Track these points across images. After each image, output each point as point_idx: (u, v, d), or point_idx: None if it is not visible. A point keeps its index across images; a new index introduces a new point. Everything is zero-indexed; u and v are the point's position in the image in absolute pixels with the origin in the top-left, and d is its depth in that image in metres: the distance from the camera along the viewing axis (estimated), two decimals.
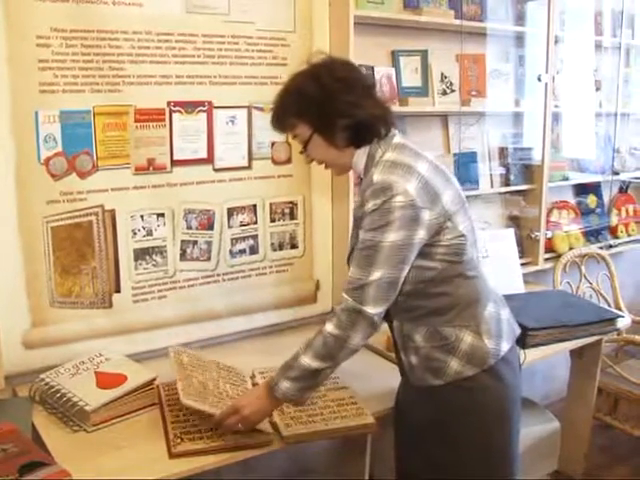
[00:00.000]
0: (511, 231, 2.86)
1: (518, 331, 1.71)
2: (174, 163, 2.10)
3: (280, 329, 2.40)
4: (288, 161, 2.33)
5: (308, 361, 1.51)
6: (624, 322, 2.47)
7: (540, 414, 2.63)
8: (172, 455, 1.56)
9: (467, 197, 1.65)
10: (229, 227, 2.25)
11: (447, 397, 1.57)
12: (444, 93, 2.69)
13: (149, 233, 2.10)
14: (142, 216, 2.07)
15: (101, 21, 1.90)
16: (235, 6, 2.13)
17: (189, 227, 2.17)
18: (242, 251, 2.29)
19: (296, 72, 1.61)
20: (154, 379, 1.82)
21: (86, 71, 1.90)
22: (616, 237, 3.45)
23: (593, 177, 3.41)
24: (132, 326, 2.09)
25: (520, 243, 2.96)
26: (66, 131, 1.90)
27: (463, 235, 1.55)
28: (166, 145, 2.08)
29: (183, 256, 2.17)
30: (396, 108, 2.41)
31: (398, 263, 1.48)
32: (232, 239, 2.26)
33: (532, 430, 2.47)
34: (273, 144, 2.29)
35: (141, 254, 2.09)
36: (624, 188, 3.60)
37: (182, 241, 2.17)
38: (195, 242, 2.19)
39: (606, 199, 3.50)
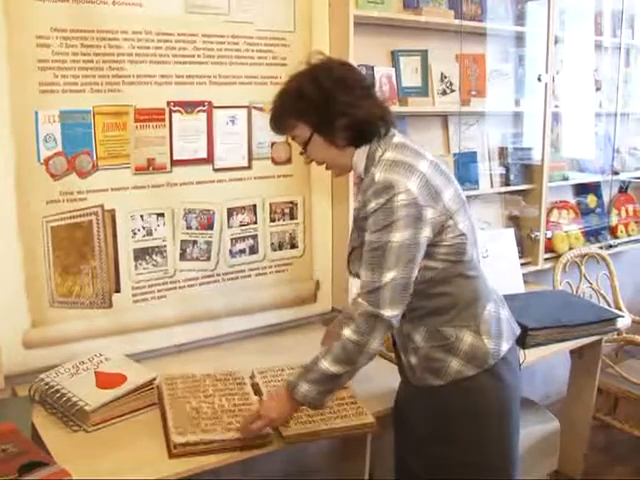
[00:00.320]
0: (511, 231, 2.86)
1: (518, 331, 1.71)
2: (174, 163, 2.10)
3: (280, 329, 2.40)
4: (288, 161, 2.33)
5: (327, 365, 1.51)
6: (624, 322, 2.47)
7: (540, 414, 2.62)
8: (172, 455, 1.56)
9: (467, 197, 1.65)
10: (229, 227, 2.25)
11: (447, 397, 1.57)
12: (444, 93, 2.69)
13: (149, 233, 2.10)
14: (142, 216, 2.07)
15: (101, 21, 1.90)
16: (235, 6, 2.13)
17: (189, 227, 2.17)
18: (242, 251, 2.29)
19: (294, 73, 1.61)
20: (154, 379, 1.82)
21: (86, 71, 1.90)
22: (616, 237, 3.45)
23: (593, 177, 3.41)
24: (132, 326, 2.09)
25: (520, 243, 2.96)
26: (66, 131, 1.90)
27: (464, 234, 1.55)
28: (166, 145, 2.08)
29: (183, 256, 2.17)
30: (396, 108, 2.41)
31: (408, 262, 1.47)
32: (232, 239, 2.26)
33: (532, 430, 2.47)
34: (273, 144, 2.29)
35: (141, 254, 2.09)
36: (624, 188, 3.60)
37: (182, 241, 2.17)
38: (195, 242, 2.19)
39: (606, 199, 3.50)
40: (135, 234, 2.07)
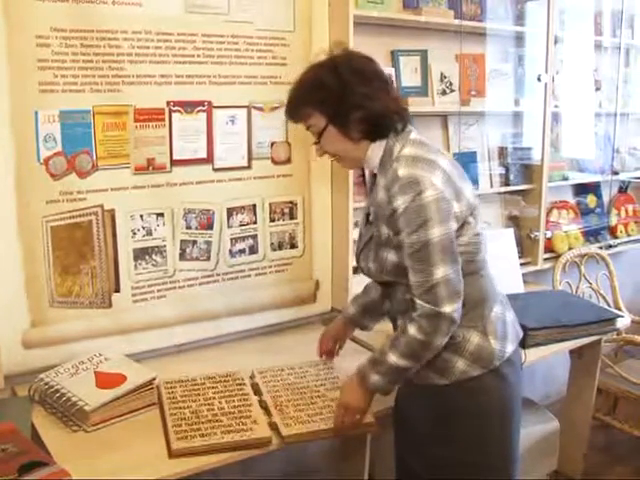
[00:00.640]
0: (510, 231, 2.87)
1: (521, 334, 1.71)
2: (174, 163, 2.10)
3: (279, 329, 2.40)
4: (288, 161, 2.33)
5: (395, 359, 1.53)
6: (623, 322, 2.47)
7: (540, 414, 2.63)
8: (172, 455, 1.56)
9: None
10: (229, 227, 2.24)
11: (450, 397, 1.57)
12: (444, 93, 2.69)
13: (149, 233, 2.09)
14: (142, 216, 2.07)
15: (101, 21, 1.90)
16: (235, 6, 2.12)
17: (189, 227, 2.17)
18: (242, 251, 2.29)
19: (313, 63, 1.60)
20: (154, 379, 1.81)
21: (86, 71, 1.90)
22: (615, 237, 3.45)
23: (593, 177, 3.41)
24: (132, 326, 2.09)
25: (520, 243, 2.96)
26: (66, 131, 1.90)
27: (479, 234, 1.56)
28: (166, 145, 2.08)
29: (183, 256, 2.17)
30: None
31: (452, 255, 1.48)
32: (232, 239, 2.26)
33: (532, 430, 2.47)
34: (273, 144, 2.29)
35: (141, 254, 2.09)
36: (624, 188, 3.60)
37: (182, 241, 2.17)
38: (195, 242, 2.19)
39: (606, 199, 3.50)
40: (135, 234, 2.07)
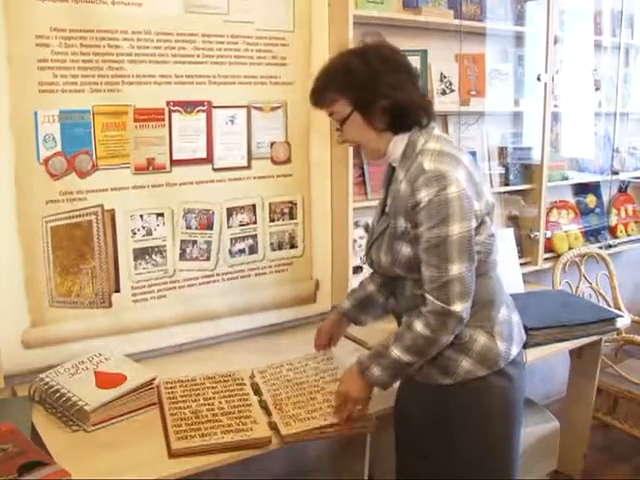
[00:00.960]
0: (510, 231, 2.87)
1: (525, 337, 1.71)
2: (173, 163, 2.10)
3: (279, 329, 2.40)
4: (287, 161, 2.33)
5: (399, 354, 1.52)
6: (623, 322, 2.47)
7: (539, 414, 2.63)
8: (171, 455, 1.56)
9: None
10: (228, 227, 2.25)
11: (454, 396, 1.57)
12: (443, 93, 2.68)
13: (148, 233, 2.10)
14: (142, 216, 2.07)
15: (100, 21, 1.90)
16: (234, 6, 2.12)
17: (188, 227, 2.17)
18: (241, 251, 2.29)
19: (343, 50, 1.61)
20: (153, 379, 1.81)
21: (85, 71, 1.90)
22: (615, 237, 3.45)
23: (592, 177, 3.40)
24: (131, 326, 2.09)
25: (519, 243, 2.97)
26: (65, 131, 1.90)
27: (493, 235, 1.56)
28: (165, 145, 2.08)
29: (182, 256, 2.17)
30: None
31: (469, 254, 1.48)
32: (231, 239, 2.26)
33: (531, 430, 2.47)
34: (272, 144, 2.29)
35: (141, 254, 2.09)
36: (623, 188, 3.60)
37: (182, 241, 2.17)
38: (194, 242, 2.19)
39: (605, 199, 3.50)
40: (135, 234, 2.07)
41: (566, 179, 3.22)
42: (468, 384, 1.55)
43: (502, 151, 2.97)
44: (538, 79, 2.84)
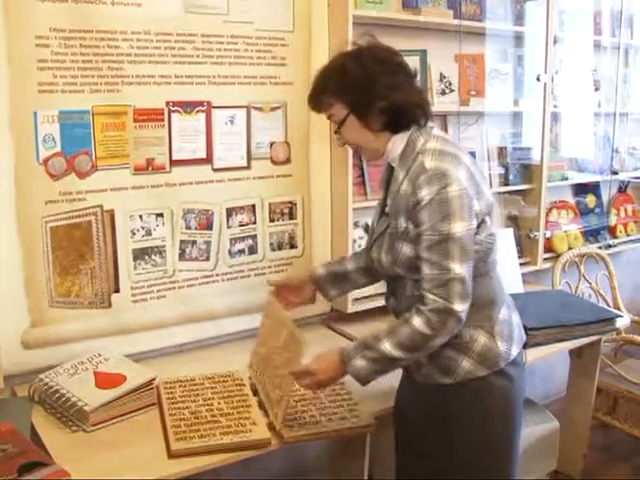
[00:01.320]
0: (510, 231, 2.87)
1: (525, 337, 1.71)
2: (173, 163, 2.10)
3: None
4: (287, 161, 2.33)
5: (390, 348, 1.49)
6: (623, 322, 2.47)
7: (539, 414, 2.63)
8: (171, 455, 1.56)
9: None
10: (228, 227, 2.25)
11: (453, 396, 1.57)
12: (443, 93, 2.69)
13: (148, 233, 2.10)
14: (141, 216, 2.07)
15: (100, 21, 1.90)
16: (234, 6, 2.12)
17: (188, 227, 2.17)
18: (241, 251, 2.29)
19: (339, 52, 1.60)
20: (153, 379, 1.81)
21: (85, 71, 1.90)
22: (615, 237, 3.45)
23: (592, 177, 3.40)
24: (131, 326, 2.09)
25: (519, 243, 2.97)
26: (65, 131, 1.90)
27: (493, 234, 1.56)
28: (165, 145, 2.08)
29: (182, 256, 2.17)
30: None
31: (470, 254, 1.47)
32: (231, 239, 2.26)
33: (531, 430, 2.47)
34: (272, 144, 2.29)
35: (140, 254, 2.09)
36: (623, 188, 3.60)
37: (181, 241, 2.17)
38: (194, 242, 2.19)
39: (605, 199, 3.50)
40: (134, 234, 2.07)
41: (566, 179, 3.22)
42: (468, 384, 1.55)
43: (502, 151, 2.97)
44: (538, 79, 2.84)
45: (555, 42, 2.90)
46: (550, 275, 3.04)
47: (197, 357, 2.16)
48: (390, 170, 1.65)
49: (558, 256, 3.10)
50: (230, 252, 2.26)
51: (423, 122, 1.58)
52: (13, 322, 1.89)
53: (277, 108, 2.27)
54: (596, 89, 3.36)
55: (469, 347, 1.55)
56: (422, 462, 1.63)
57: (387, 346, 1.50)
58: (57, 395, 1.75)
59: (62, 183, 1.92)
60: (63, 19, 1.84)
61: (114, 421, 1.71)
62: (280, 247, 2.37)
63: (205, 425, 1.66)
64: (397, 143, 1.58)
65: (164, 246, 2.13)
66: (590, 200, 3.43)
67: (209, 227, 2.21)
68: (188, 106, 2.10)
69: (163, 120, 2.06)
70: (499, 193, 2.98)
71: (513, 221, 3.07)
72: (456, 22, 2.59)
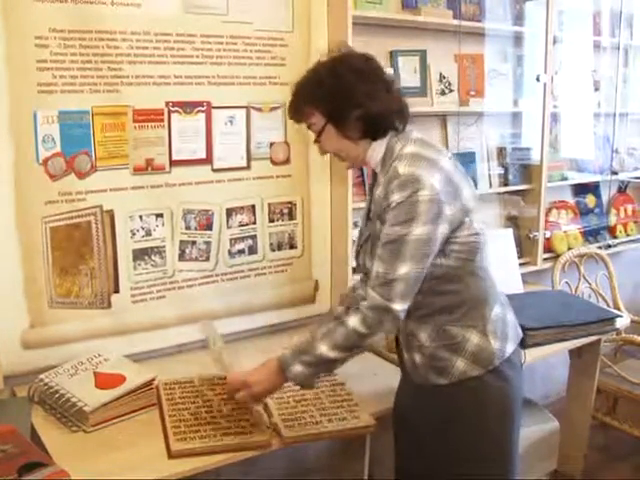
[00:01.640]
0: (510, 231, 2.87)
1: (521, 334, 1.71)
2: (173, 163, 2.10)
3: (279, 329, 2.40)
4: (287, 161, 2.33)
5: (325, 350, 1.50)
6: (623, 322, 2.47)
7: (539, 414, 2.63)
8: (171, 455, 1.56)
9: None
10: (228, 227, 2.25)
11: (450, 396, 1.57)
12: (442, 93, 2.69)
13: (148, 233, 2.10)
14: (141, 216, 2.07)
15: (99, 21, 1.90)
16: (233, 6, 2.13)
17: (188, 227, 2.17)
18: (241, 251, 2.29)
19: (316, 62, 1.61)
20: (153, 379, 1.81)
21: (84, 71, 1.90)
22: (615, 237, 3.45)
23: (592, 177, 3.41)
24: (131, 326, 2.09)
25: (519, 243, 2.97)
26: (65, 131, 1.90)
27: (478, 233, 1.55)
28: (165, 145, 2.08)
29: (182, 256, 2.17)
30: None
31: (423, 257, 1.47)
32: (231, 239, 2.26)
33: (531, 430, 2.47)
34: (272, 144, 2.29)
35: (140, 254, 2.09)
36: (623, 188, 3.60)
37: (181, 241, 2.17)
38: (194, 242, 2.19)
39: (605, 199, 3.50)
40: (134, 234, 2.07)
41: (565, 179, 3.23)
42: (464, 384, 1.56)
43: (501, 151, 2.97)
44: (537, 79, 2.84)
45: (555, 42, 2.90)
46: (550, 275, 3.04)
47: (197, 358, 2.15)
48: (375, 175, 1.66)
49: (558, 256, 3.10)
50: (230, 252, 2.26)
51: (401, 127, 1.58)
52: (13, 322, 1.89)
53: (277, 108, 2.27)
54: (596, 89, 3.36)
55: (462, 347, 1.55)
56: (421, 463, 1.63)
57: (323, 348, 1.51)
58: (57, 395, 1.75)
59: (62, 183, 1.92)
60: (62, 19, 1.84)
61: (114, 421, 1.71)
62: (280, 247, 2.37)
63: (205, 426, 1.66)
64: (377, 150, 1.59)
65: (164, 246, 2.13)
66: (590, 200, 3.43)
67: (209, 227, 2.21)
68: (188, 106, 2.10)
69: (163, 120, 2.06)
70: (499, 193, 2.99)
71: (513, 221, 3.07)
72: (456, 22, 2.60)
